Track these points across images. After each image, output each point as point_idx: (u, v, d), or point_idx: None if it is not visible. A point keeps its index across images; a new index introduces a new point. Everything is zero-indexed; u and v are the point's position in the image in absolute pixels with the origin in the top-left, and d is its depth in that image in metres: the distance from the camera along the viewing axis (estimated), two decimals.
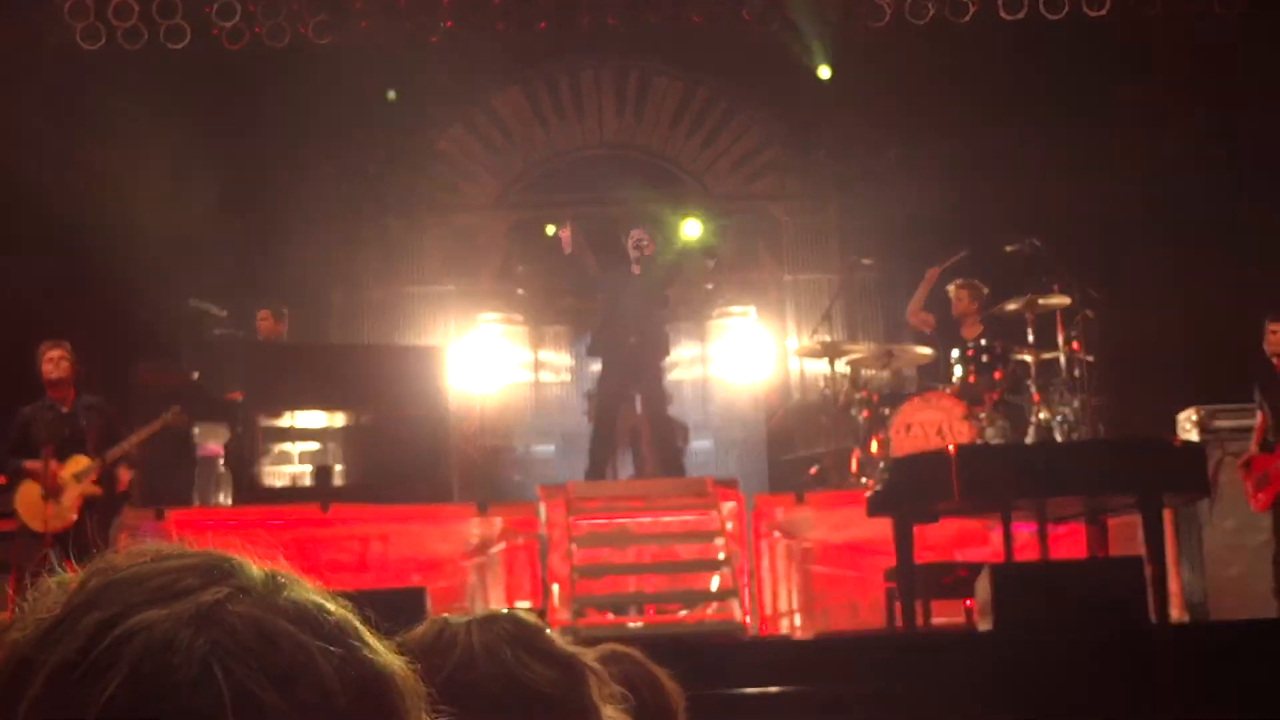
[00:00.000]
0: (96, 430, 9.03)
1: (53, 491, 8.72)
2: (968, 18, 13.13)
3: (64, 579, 0.95)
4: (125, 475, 9.16)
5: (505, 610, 1.66)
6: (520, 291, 13.98)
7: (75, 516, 8.71)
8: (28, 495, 8.78)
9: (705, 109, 14.28)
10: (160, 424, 9.12)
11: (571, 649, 1.61)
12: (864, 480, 10.27)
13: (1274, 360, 9.47)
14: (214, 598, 0.90)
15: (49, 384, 9.08)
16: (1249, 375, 9.79)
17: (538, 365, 13.67)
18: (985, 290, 11.18)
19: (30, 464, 8.82)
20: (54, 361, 9.07)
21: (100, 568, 0.95)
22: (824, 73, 13.40)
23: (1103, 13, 13.08)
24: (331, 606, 0.94)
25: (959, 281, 11.34)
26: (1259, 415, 9.58)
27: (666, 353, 10.85)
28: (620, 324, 10.59)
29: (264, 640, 0.88)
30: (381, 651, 0.93)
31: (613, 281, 10.71)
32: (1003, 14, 13.08)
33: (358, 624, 0.94)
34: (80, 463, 8.84)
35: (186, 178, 12.71)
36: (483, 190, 14.24)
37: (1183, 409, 10.49)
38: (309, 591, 0.95)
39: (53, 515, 8.68)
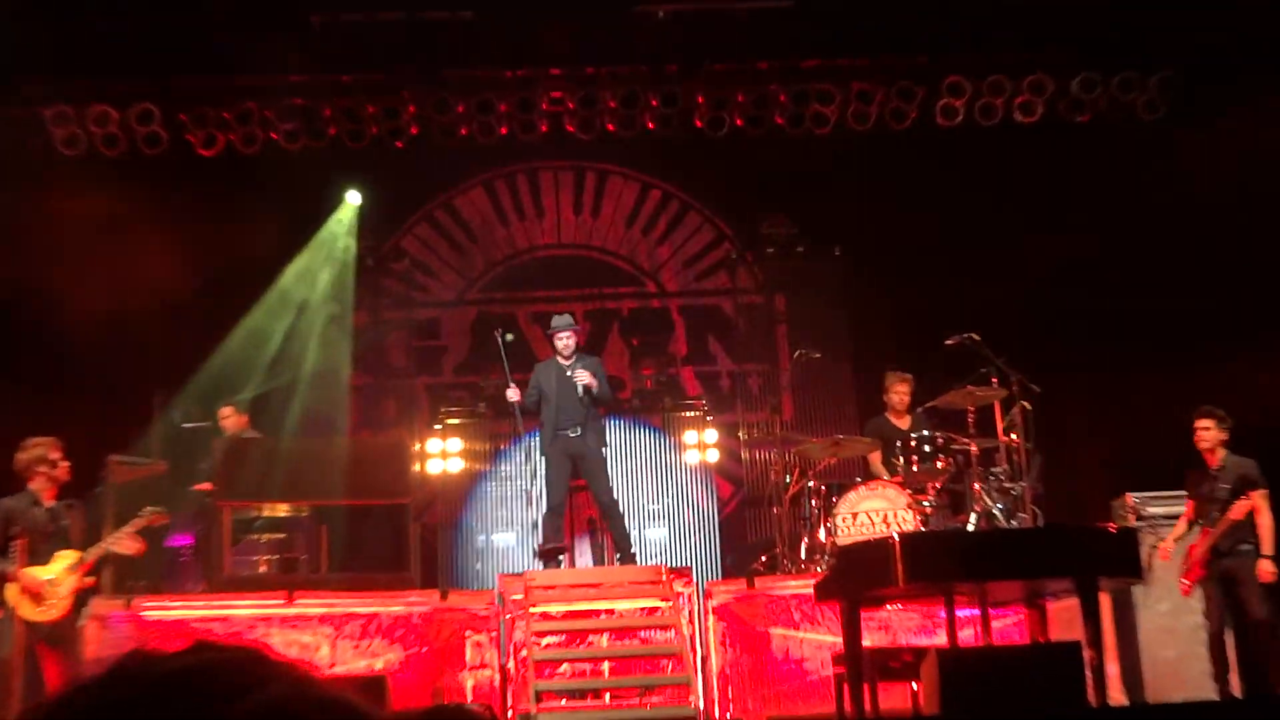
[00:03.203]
0: (80, 527, 8.86)
1: (38, 590, 8.49)
2: (907, 124, 13.26)
3: None
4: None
5: (454, 705, 1.59)
6: (482, 384, 13.90)
7: (69, 608, 8.51)
8: (15, 590, 8.56)
9: (659, 209, 14.35)
10: (141, 524, 8.97)
11: None
12: (812, 566, 10.22)
13: (1203, 453, 9.51)
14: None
15: (47, 480, 8.77)
16: (1180, 464, 9.82)
17: (499, 457, 13.55)
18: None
19: (14, 571, 8.55)
20: (64, 464, 8.82)
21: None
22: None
23: (1034, 119, 13.23)
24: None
25: (900, 374, 11.36)
26: (1187, 503, 9.62)
27: (603, 443, 10.79)
28: (559, 418, 10.56)
29: None
30: None
31: (547, 378, 10.71)
32: (939, 120, 13.22)
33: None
34: (67, 558, 8.65)
35: (158, 276, 12.65)
36: (445, 286, 14.22)
37: (1117, 496, 10.50)
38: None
39: (46, 608, 8.47)
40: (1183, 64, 13.05)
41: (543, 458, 10.89)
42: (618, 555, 10.64)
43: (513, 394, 10.70)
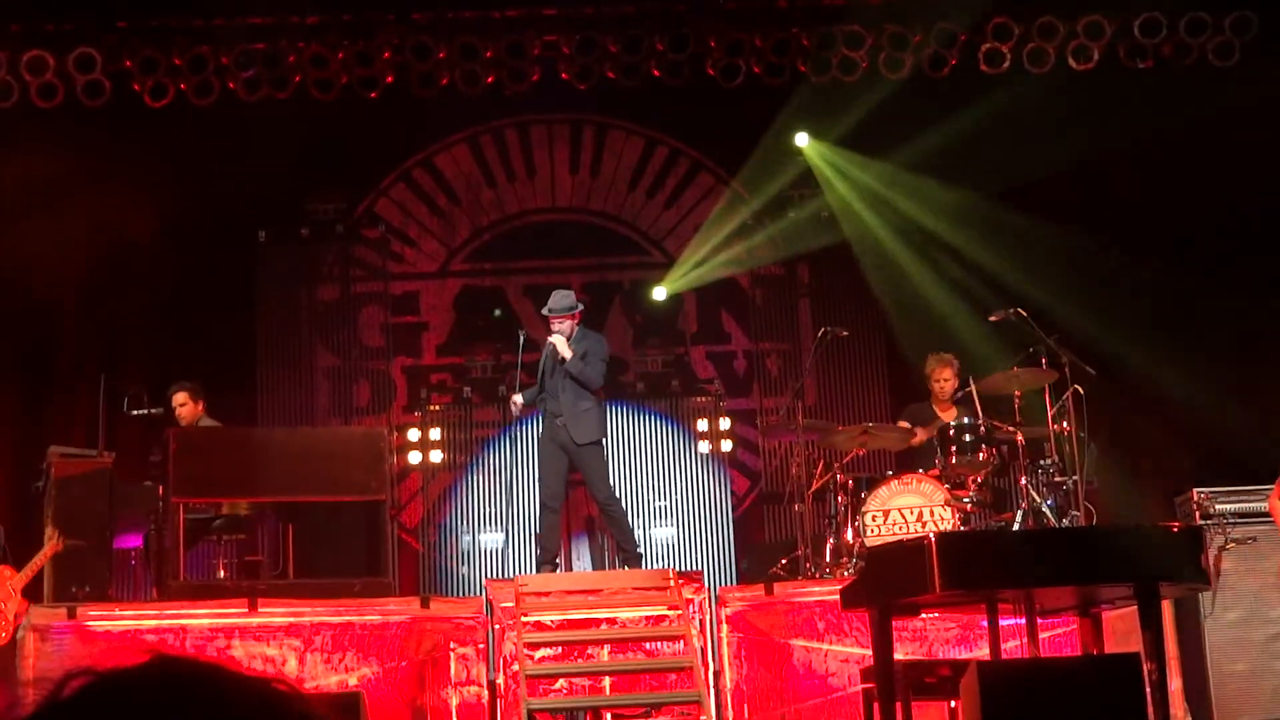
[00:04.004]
0: None
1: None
2: (946, 71, 13.30)
3: None
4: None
5: None
6: (467, 365, 14.02)
7: (11, 632, 8.68)
8: None
9: (666, 167, 14.43)
10: (44, 559, 9.10)
11: None
12: (838, 570, 10.33)
13: None
14: None
15: None
16: (1253, 455, 9.91)
17: (487, 448, 13.66)
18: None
19: None
20: None
21: None
22: (801, 139, 13.54)
23: (1090, 66, 13.26)
24: None
25: (941, 357, 11.44)
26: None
27: (600, 433, 10.86)
28: (548, 403, 10.67)
29: None
30: None
31: (544, 361, 10.81)
32: (984, 67, 13.26)
33: None
34: (11, 574, 8.80)
35: (104, 242, 12.76)
36: (426, 256, 14.31)
37: (1181, 492, 10.59)
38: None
39: None
40: (1260, 2, 13.08)
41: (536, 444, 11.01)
42: (620, 555, 10.75)
43: (517, 406, 10.78)
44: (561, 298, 10.86)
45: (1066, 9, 13.15)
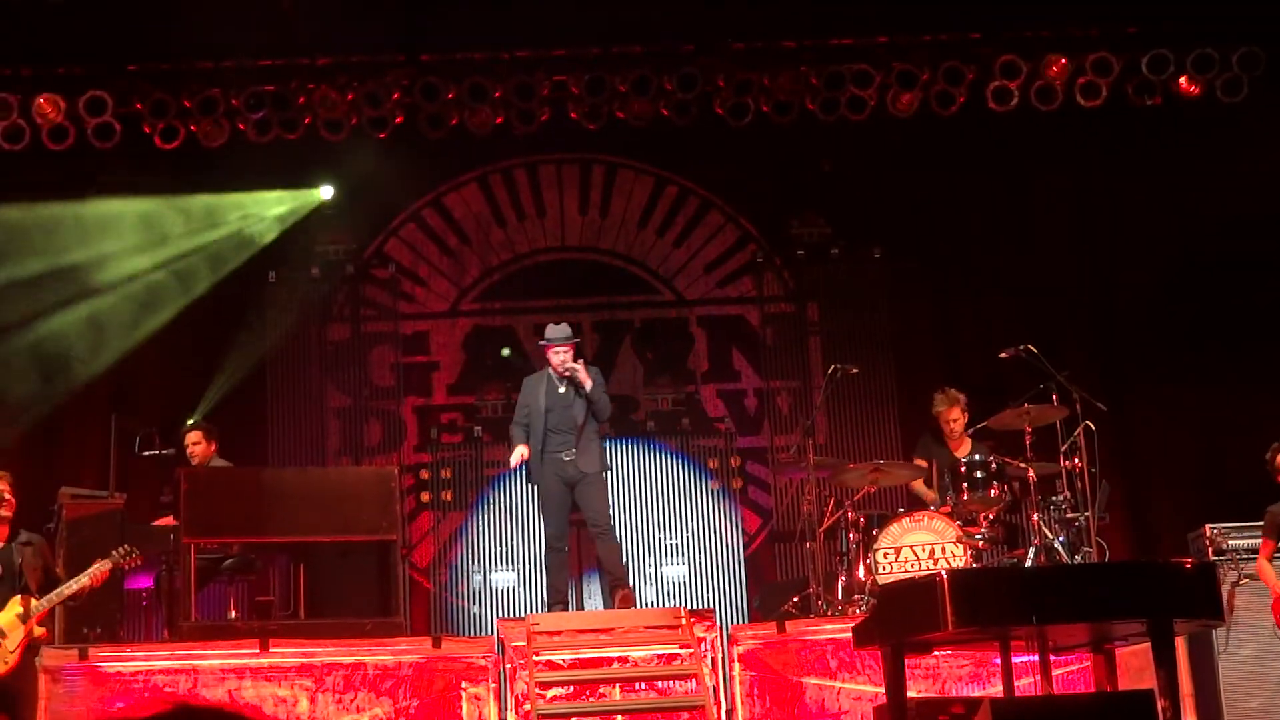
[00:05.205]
0: (40, 572, 9.00)
1: None
2: (954, 109, 13.33)
3: None
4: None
5: None
6: (478, 405, 14.03)
7: (18, 660, 8.69)
8: None
9: (675, 207, 14.47)
10: (94, 580, 9.10)
11: None
12: (850, 608, 10.31)
13: None
14: None
15: None
16: (1265, 491, 9.90)
17: (497, 487, 13.66)
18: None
19: None
20: (11, 499, 9.00)
21: None
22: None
23: (1098, 103, 13.28)
24: None
25: (949, 395, 11.45)
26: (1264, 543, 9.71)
27: (605, 463, 10.88)
28: (550, 439, 10.66)
29: None
30: None
31: (534, 394, 10.79)
32: (992, 105, 13.29)
33: None
34: (26, 604, 8.79)
35: (113, 284, 12.83)
36: (436, 296, 14.34)
37: (1194, 528, 10.58)
38: None
39: None
40: (1268, 38, 13.11)
41: (533, 486, 10.99)
42: (610, 583, 10.66)
43: (518, 456, 10.79)
44: (560, 328, 10.90)
45: (1075, 47, 13.19)
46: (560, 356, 10.75)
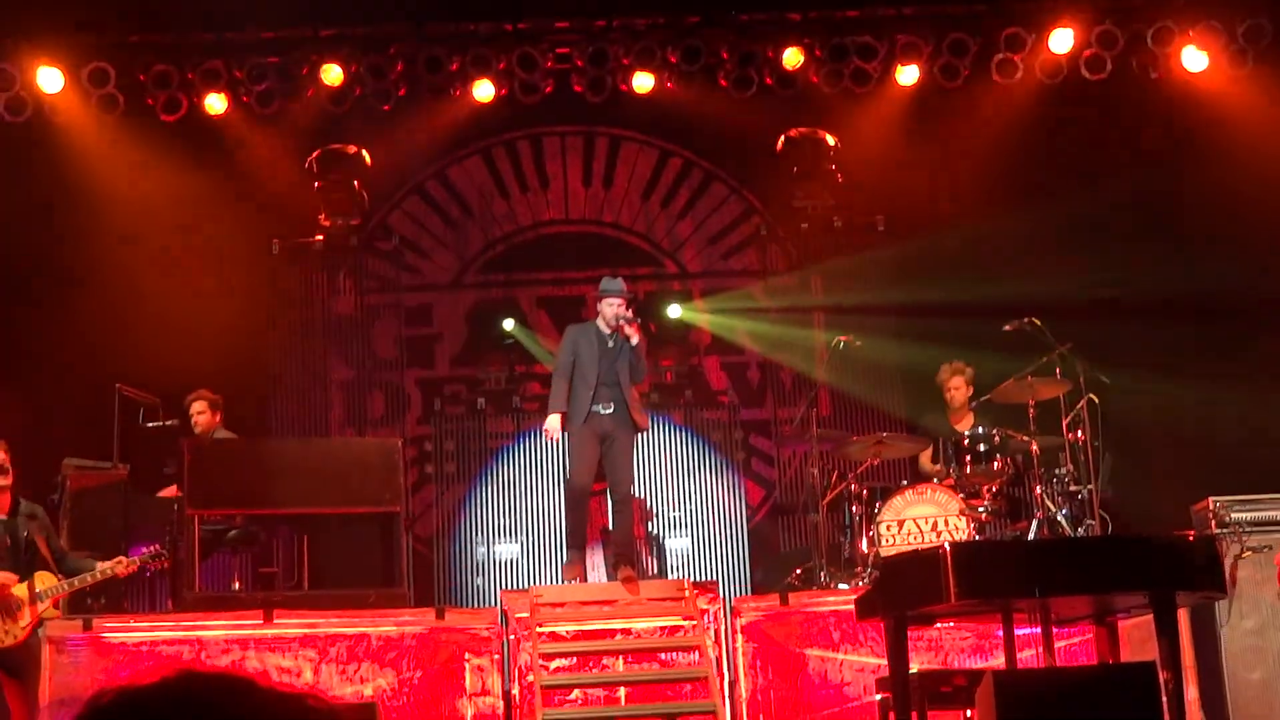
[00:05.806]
0: (45, 545, 9.00)
1: (5, 608, 8.66)
2: (959, 81, 13.30)
3: None
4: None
5: None
6: (481, 377, 14.04)
7: (25, 636, 8.69)
8: None
9: (679, 179, 14.45)
10: (119, 572, 9.11)
11: None
12: (853, 580, 10.33)
13: None
14: None
15: None
16: (1270, 464, 9.90)
17: (501, 459, 13.68)
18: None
19: None
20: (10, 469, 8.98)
21: None
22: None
23: (1103, 75, 13.24)
24: None
25: (954, 366, 11.47)
26: None
27: (637, 428, 10.80)
28: (596, 392, 10.59)
29: None
30: None
31: (588, 343, 10.71)
32: (995, 76, 13.26)
33: None
34: (45, 581, 8.80)
35: (120, 254, 12.83)
36: (439, 268, 14.33)
37: (1197, 500, 10.57)
38: None
39: (2, 632, 8.64)
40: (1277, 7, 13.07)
41: (567, 436, 10.90)
42: (615, 561, 10.64)
43: (554, 426, 10.74)
44: (616, 281, 10.85)
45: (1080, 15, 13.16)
46: (614, 308, 10.70)
